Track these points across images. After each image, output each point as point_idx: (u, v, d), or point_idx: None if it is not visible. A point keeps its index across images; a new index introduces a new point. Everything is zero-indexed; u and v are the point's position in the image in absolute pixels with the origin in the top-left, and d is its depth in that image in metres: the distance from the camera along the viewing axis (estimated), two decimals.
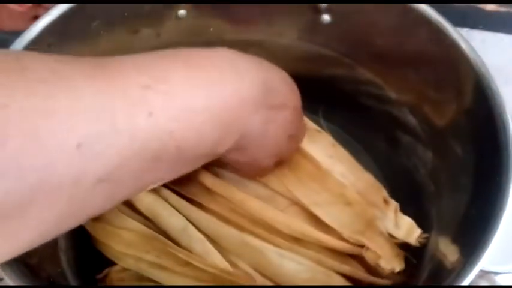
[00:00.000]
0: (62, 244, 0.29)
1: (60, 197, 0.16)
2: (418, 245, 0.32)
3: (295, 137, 0.29)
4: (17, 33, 0.27)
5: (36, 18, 0.33)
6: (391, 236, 0.33)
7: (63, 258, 0.29)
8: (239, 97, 0.22)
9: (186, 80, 0.20)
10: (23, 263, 0.22)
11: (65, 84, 0.17)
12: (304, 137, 0.32)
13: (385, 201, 0.33)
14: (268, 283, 0.31)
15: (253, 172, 0.29)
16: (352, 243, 0.32)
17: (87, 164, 0.16)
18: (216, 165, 0.34)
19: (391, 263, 0.31)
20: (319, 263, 0.32)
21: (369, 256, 0.32)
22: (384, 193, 0.34)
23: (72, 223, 0.18)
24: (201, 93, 0.20)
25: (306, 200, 0.32)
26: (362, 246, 0.32)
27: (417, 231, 0.32)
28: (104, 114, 0.17)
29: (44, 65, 0.17)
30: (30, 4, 0.39)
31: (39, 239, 0.18)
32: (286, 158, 0.31)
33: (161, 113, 0.18)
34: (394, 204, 0.33)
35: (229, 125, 0.22)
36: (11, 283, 0.21)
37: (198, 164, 0.23)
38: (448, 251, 0.27)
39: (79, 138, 0.16)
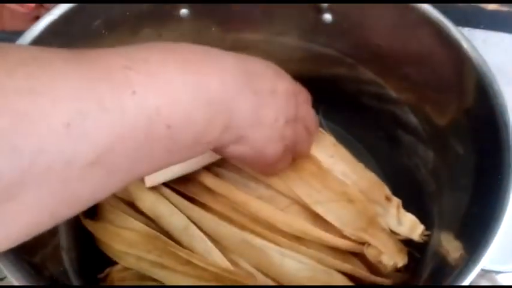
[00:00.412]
0: (64, 243, 0.29)
1: (51, 180, 0.16)
2: (421, 241, 0.32)
3: (299, 123, 0.28)
4: (19, 33, 0.27)
5: (38, 18, 0.33)
6: (394, 232, 0.33)
7: (65, 258, 0.29)
8: (220, 77, 0.22)
9: (165, 61, 0.20)
10: (27, 261, 0.22)
11: (47, 68, 0.17)
12: (314, 123, 0.31)
13: (388, 199, 0.33)
14: (270, 282, 0.31)
15: (265, 165, 0.28)
16: (353, 241, 0.32)
17: (77, 145, 0.16)
18: (216, 165, 0.34)
19: (394, 258, 0.31)
20: (320, 261, 0.32)
21: (370, 253, 0.32)
22: (386, 190, 0.34)
23: (66, 211, 0.18)
24: (180, 71, 0.20)
25: (307, 199, 0.32)
26: (363, 244, 0.32)
27: (420, 228, 0.32)
28: (90, 94, 0.17)
29: (25, 51, 0.17)
30: (32, 5, 0.39)
31: (35, 227, 0.17)
32: (302, 150, 0.30)
33: (144, 90, 0.19)
34: (396, 201, 0.33)
35: (215, 103, 0.22)
36: (14, 282, 0.21)
37: (195, 152, 0.23)
38: (451, 247, 0.27)
39: (67, 118, 0.16)
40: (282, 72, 0.28)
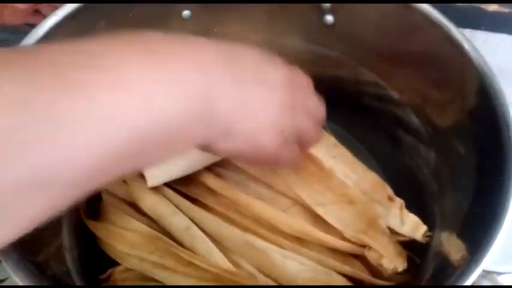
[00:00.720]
0: (67, 243, 0.29)
1: None
2: (424, 241, 0.32)
3: (298, 110, 0.26)
4: (17, 32, 0.27)
5: (37, 12, 0.33)
6: (396, 233, 0.33)
7: (68, 258, 0.29)
8: (197, 67, 0.20)
9: (130, 56, 0.18)
10: (30, 261, 0.22)
11: None
12: (319, 109, 0.29)
13: (390, 199, 0.33)
14: (271, 283, 0.31)
15: (266, 159, 0.26)
16: (354, 243, 0.32)
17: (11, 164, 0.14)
18: (218, 165, 0.34)
19: (394, 262, 0.31)
20: (321, 263, 0.32)
21: (371, 255, 0.32)
22: (389, 191, 0.34)
23: (14, 230, 0.16)
24: (149, 67, 0.18)
25: (309, 200, 0.32)
26: (364, 246, 0.32)
27: (423, 228, 0.32)
28: (28, 104, 0.15)
29: None
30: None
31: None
32: (308, 138, 0.28)
33: (104, 94, 0.16)
34: (399, 201, 0.33)
35: (193, 98, 0.19)
36: (18, 282, 0.21)
37: (175, 151, 0.21)
38: (453, 248, 0.27)
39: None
40: (274, 58, 0.25)
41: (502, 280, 0.34)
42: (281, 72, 0.25)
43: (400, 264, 0.31)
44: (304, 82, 0.27)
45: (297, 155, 0.28)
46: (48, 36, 0.27)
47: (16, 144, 0.15)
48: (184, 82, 0.19)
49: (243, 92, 0.22)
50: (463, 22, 0.45)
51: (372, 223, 0.32)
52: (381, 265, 0.31)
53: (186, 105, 0.19)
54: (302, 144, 0.28)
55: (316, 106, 0.29)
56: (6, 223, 0.16)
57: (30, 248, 0.22)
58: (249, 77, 0.23)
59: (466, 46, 0.28)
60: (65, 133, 0.15)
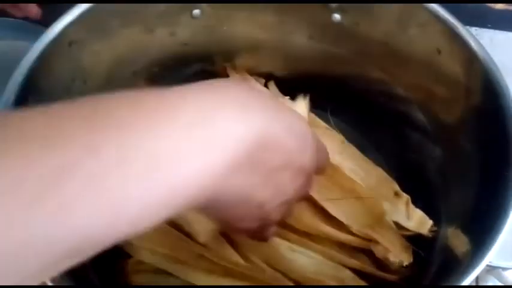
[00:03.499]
0: None
1: None
2: (429, 236, 0.32)
3: (289, 204, 0.23)
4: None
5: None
6: (402, 227, 0.33)
7: None
8: (222, 157, 0.17)
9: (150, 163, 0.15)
10: None
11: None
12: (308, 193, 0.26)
13: (396, 194, 0.34)
14: (279, 276, 0.32)
15: (233, 232, 0.25)
16: (361, 238, 0.32)
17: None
18: None
19: (400, 256, 0.32)
20: (329, 257, 0.32)
21: (378, 250, 0.32)
22: (395, 186, 0.34)
23: None
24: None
25: (317, 196, 0.33)
26: (371, 240, 0.32)
27: (429, 223, 0.33)
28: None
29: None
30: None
31: None
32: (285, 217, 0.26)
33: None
34: (405, 197, 0.34)
35: (195, 189, 0.17)
36: None
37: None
38: (458, 243, 0.28)
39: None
40: (307, 142, 0.21)
41: (508, 275, 0.34)
42: (306, 164, 0.22)
43: (405, 259, 0.32)
44: (309, 165, 0.22)
45: (270, 236, 0.26)
46: (63, 35, 0.28)
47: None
48: (198, 178, 0.16)
49: (253, 182, 0.19)
50: (470, 20, 0.46)
51: (378, 218, 0.33)
52: (387, 259, 0.32)
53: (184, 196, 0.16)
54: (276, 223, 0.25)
55: (309, 191, 0.25)
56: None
57: None
58: (271, 166, 0.19)
59: (473, 44, 0.28)
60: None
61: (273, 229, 0.26)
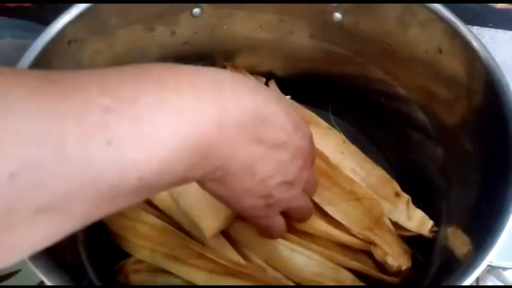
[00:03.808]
0: (81, 236, 0.30)
1: None
2: (430, 236, 0.32)
3: (296, 186, 0.24)
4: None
5: None
6: (403, 228, 0.33)
7: (81, 248, 0.30)
8: (218, 124, 0.19)
9: (156, 104, 0.17)
10: (46, 249, 0.23)
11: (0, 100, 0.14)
12: (315, 189, 0.27)
13: (397, 195, 0.34)
14: (280, 276, 0.32)
15: (244, 216, 0.25)
16: (361, 239, 0.32)
17: (23, 195, 0.14)
18: None
19: (398, 260, 0.32)
20: (329, 258, 0.32)
21: (377, 253, 0.32)
22: (396, 187, 0.34)
23: (10, 255, 0.16)
24: (171, 120, 0.17)
25: (317, 197, 0.32)
26: (371, 242, 0.32)
27: (429, 223, 0.33)
28: (48, 139, 0.14)
29: None
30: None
31: None
32: (298, 215, 0.27)
33: (123, 141, 0.16)
34: (406, 197, 0.34)
35: (204, 155, 0.19)
36: (34, 270, 0.22)
37: (166, 188, 0.19)
38: (459, 243, 0.28)
39: (12, 167, 0.14)
40: (300, 123, 0.24)
41: (508, 275, 0.34)
42: (304, 143, 0.23)
43: (404, 263, 0.32)
44: (312, 154, 0.25)
45: (278, 227, 0.27)
46: (62, 34, 0.28)
47: (29, 180, 0.14)
48: (201, 136, 0.18)
49: (257, 154, 0.21)
50: (471, 19, 0.46)
51: (377, 220, 0.33)
52: (386, 262, 0.32)
53: (195, 158, 0.18)
54: (289, 217, 0.27)
55: (313, 182, 0.27)
56: (21, 249, 0.16)
57: None
58: (271, 140, 0.21)
59: (474, 43, 0.28)
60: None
61: (280, 221, 0.26)
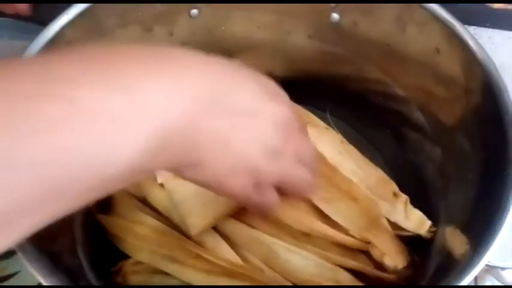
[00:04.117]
0: (79, 237, 0.30)
1: None
2: (428, 236, 0.32)
3: (287, 157, 0.23)
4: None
5: None
6: (401, 228, 0.33)
7: (80, 250, 0.30)
8: (180, 94, 0.18)
9: (104, 78, 0.16)
10: (45, 252, 0.23)
11: None
12: (312, 158, 0.25)
13: (395, 195, 0.34)
14: (277, 277, 0.32)
15: (232, 198, 0.23)
16: (358, 239, 0.32)
17: None
18: None
19: (395, 260, 0.32)
20: (326, 259, 0.32)
21: (374, 252, 0.32)
22: (394, 187, 0.34)
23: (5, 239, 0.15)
24: (123, 91, 0.16)
25: (314, 197, 0.33)
26: (369, 242, 0.32)
27: (427, 223, 0.33)
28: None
29: None
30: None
31: None
32: (296, 189, 0.25)
33: (65, 127, 0.15)
34: (403, 197, 0.34)
35: (167, 131, 0.17)
36: (32, 272, 0.22)
37: (135, 180, 0.19)
38: (457, 242, 0.28)
39: None
40: (277, 91, 0.23)
41: (506, 275, 0.34)
42: (282, 109, 0.22)
43: (401, 262, 0.32)
44: (302, 124, 0.25)
45: (272, 203, 0.24)
46: (61, 34, 0.28)
47: None
48: (161, 115, 0.17)
49: (230, 124, 0.20)
50: (468, 19, 0.46)
51: (374, 221, 0.33)
52: (383, 262, 0.32)
53: (158, 139, 0.17)
54: (286, 192, 0.25)
55: (310, 153, 0.25)
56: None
57: (45, 239, 0.23)
58: (242, 108, 0.20)
59: (471, 43, 0.28)
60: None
61: (273, 194, 0.24)
